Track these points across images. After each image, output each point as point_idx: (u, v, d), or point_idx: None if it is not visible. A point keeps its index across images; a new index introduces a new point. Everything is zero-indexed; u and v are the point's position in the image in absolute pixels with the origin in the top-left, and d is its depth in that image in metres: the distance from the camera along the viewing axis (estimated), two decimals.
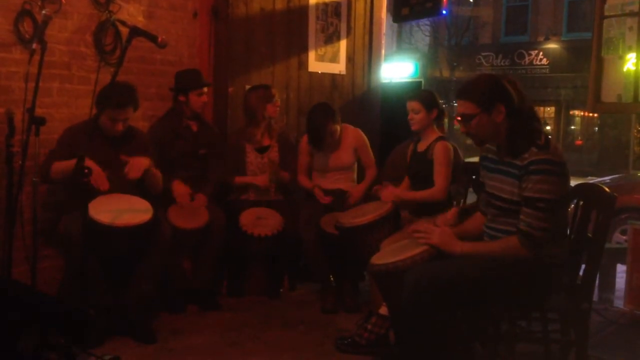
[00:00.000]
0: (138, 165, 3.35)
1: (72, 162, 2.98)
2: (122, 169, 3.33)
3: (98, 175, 3.13)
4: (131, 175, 3.33)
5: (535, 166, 2.38)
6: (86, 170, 2.81)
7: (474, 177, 3.57)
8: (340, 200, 4.07)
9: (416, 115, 3.57)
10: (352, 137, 4.22)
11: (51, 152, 3.44)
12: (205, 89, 4.02)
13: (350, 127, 4.26)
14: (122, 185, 3.36)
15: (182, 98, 3.95)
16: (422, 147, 3.64)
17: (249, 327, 3.57)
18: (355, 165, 4.29)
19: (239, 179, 4.15)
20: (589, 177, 10.77)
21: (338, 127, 4.09)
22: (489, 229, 2.62)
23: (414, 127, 3.62)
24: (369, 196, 4.03)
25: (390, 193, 3.60)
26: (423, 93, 3.71)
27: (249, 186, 4.15)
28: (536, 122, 2.52)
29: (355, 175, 4.32)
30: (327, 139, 4.06)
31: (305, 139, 4.25)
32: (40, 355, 2.35)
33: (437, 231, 2.61)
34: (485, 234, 2.64)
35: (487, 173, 2.66)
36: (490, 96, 2.46)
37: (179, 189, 3.83)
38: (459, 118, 2.54)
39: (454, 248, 2.54)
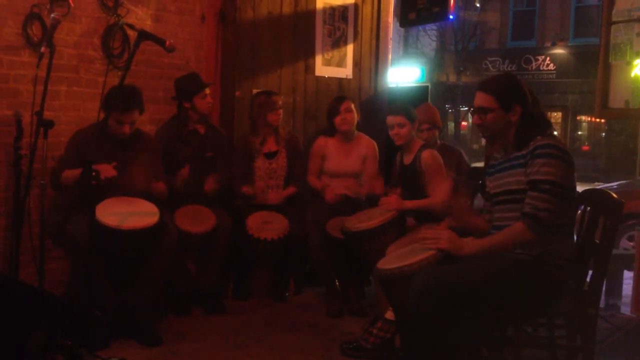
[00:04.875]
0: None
1: (80, 171, 3.04)
2: (130, 170, 3.35)
3: (103, 168, 3.16)
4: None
5: (540, 150, 2.43)
6: (94, 173, 2.84)
7: (480, 182, 3.56)
8: (345, 205, 4.06)
9: (402, 129, 3.61)
10: (365, 146, 4.26)
11: (61, 158, 3.46)
12: (208, 90, 4.00)
13: (365, 137, 4.30)
14: (129, 187, 3.38)
15: (187, 104, 3.94)
16: (408, 159, 3.66)
17: (254, 330, 3.57)
18: (363, 175, 4.29)
19: (246, 189, 4.08)
20: (596, 183, 10.73)
21: (352, 105, 4.18)
22: (496, 228, 2.60)
23: (399, 142, 3.65)
24: (375, 202, 4.02)
25: (392, 202, 3.59)
26: (404, 107, 3.71)
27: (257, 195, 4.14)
28: (548, 127, 2.57)
29: (362, 184, 4.31)
30: (343, 117, 4.11)
31: (318, 141, 4.26)
32: (47, 356, 2.36)
33: (445, 236, 2.58)
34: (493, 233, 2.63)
35: (492, 176, 2.68)
36: (511, 96, 2.55)
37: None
38: (472, 110, 2.61)
39: (462, 251, 2.53)
